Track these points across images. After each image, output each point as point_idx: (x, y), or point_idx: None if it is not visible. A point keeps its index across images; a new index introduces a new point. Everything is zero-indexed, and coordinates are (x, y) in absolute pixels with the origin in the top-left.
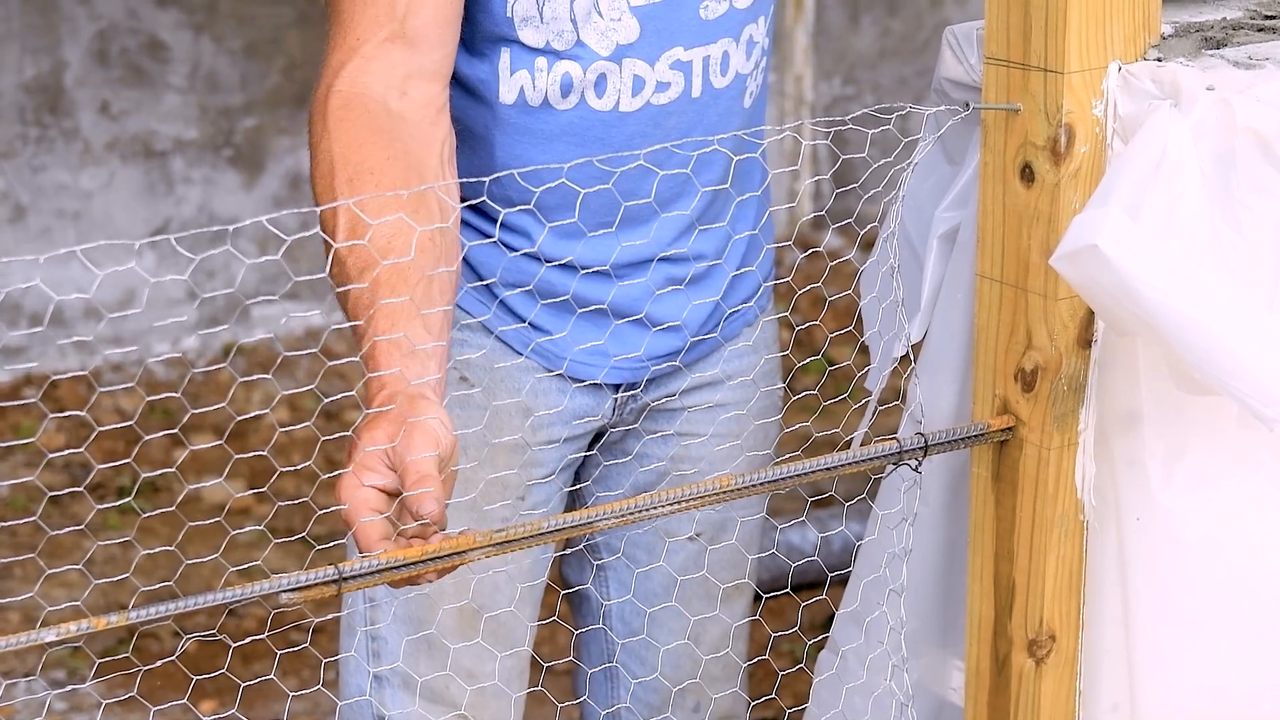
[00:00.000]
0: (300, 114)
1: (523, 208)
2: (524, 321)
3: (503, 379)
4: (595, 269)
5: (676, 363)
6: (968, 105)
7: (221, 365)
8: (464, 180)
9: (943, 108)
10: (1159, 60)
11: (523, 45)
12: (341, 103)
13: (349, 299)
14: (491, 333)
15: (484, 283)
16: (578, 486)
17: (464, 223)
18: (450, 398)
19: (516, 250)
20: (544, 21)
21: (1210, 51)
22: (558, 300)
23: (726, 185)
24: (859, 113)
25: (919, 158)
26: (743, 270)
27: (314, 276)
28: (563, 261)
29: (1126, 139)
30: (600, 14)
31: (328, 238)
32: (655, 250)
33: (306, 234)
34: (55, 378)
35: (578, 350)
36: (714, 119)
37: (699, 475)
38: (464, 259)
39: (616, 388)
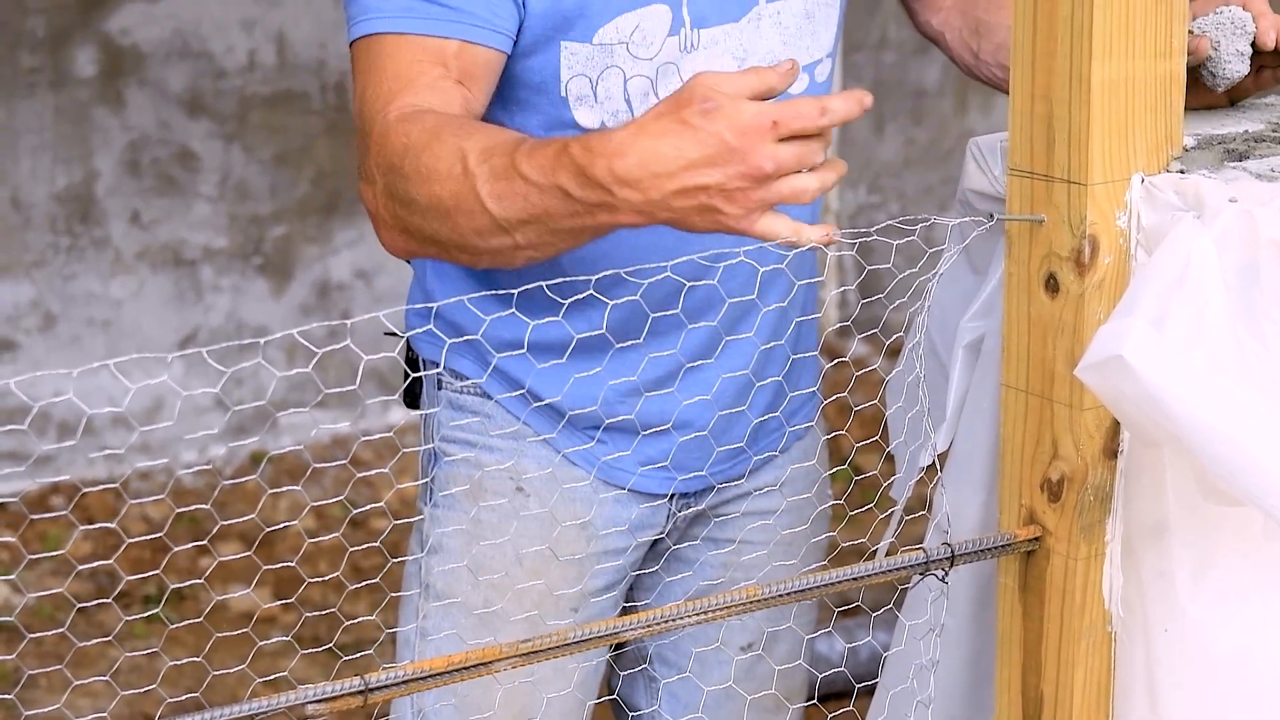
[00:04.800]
0: (329, 221)
1: (591, 333)
2: (590, 440)
3: (565, 494)
4: (658, 391)
5: (735, 476)
6: (992, 216)
7: (250, 477)
8: (526, 287)
9: (967, 219)
10: (1182, 172)
11: (579, 127)
12: (413, 112)
13: (506, 191)
14: (558, 451)
15: (546, 402)
16: (633, 604)
17: (531, 345)
18: (505, 508)
19: (584, 372)
20: (598, 101)
21: (1233, 164)
22: (620, 420)
23: (785, 303)
24: (884, 224)
25: (944, 268)
26: (805, 354)
27: (343, 389)
28: (627, 379)
29: (1150, 250)
30: (657, 95)
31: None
32: (718, 370)
33: (336, 345)
34: (85, 490)
35: (642, 469)
36: None
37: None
38: (529, 383)
39: (672, 498)
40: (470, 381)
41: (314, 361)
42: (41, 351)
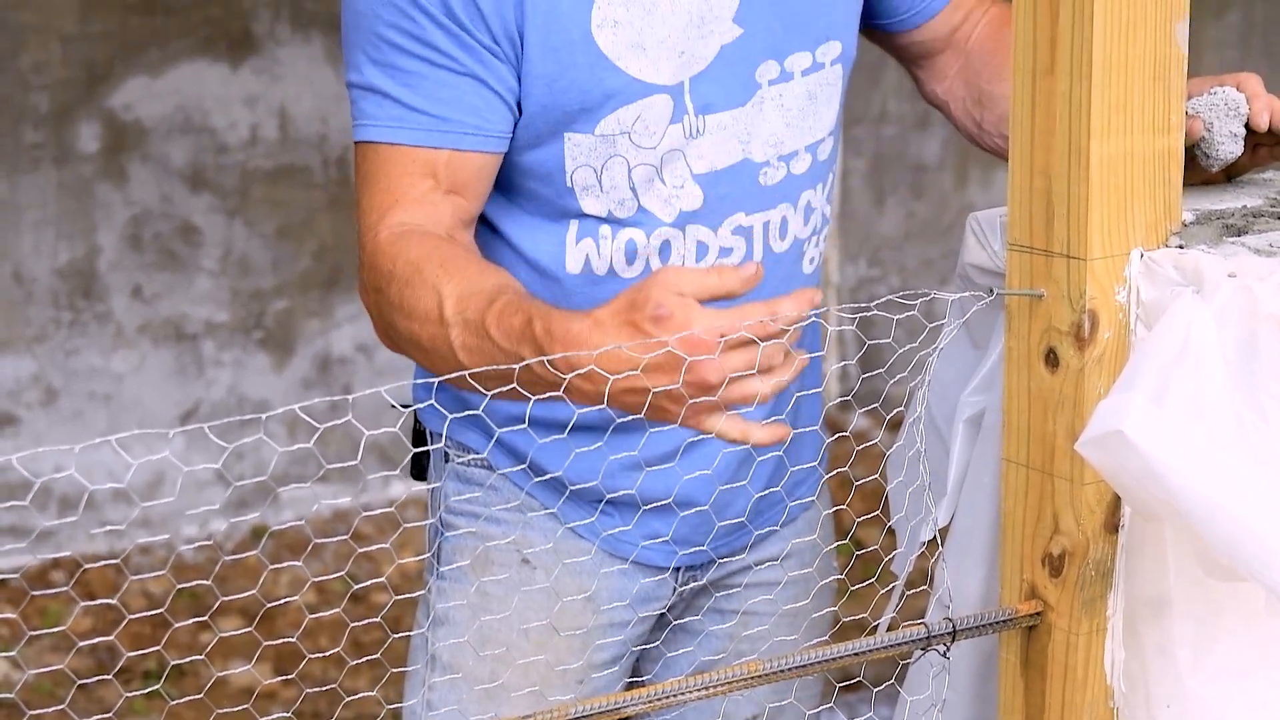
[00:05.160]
0: (331, 296)
1: (592, 409)
2: (593, 514)
3: (569, 567)
4: (660, 466)
5: (737, 550)
6: (992, 291)
7: (251, 552)
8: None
9: (967, 293)
10: (1180, 247)
11: (586, 215)
12: (400, 234)
13: (488, 329)
14: (563, 523)
15: (550, 476)
16: (639, 678)
17: (532, 420)
18: (510, 580)
19: (585, 447)
20: (603, 190)
21: (1231, 239)
22: (622, 494)
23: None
24: (884, 298)
25: (944, 343)
26: (805, 429)
27: (344, 464)
28: (629, 454)
29: (1150, 325)
30: (663, 182)
31: (424, 327)
32: (719, 446)
33: (338, 421)
34: (86, 566)
35: (645, 543)
36: (775, 284)
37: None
38: (531, 456)
39: (675, 571)
40: (475, 454)
41: (315, 437)
42: (43, 426)
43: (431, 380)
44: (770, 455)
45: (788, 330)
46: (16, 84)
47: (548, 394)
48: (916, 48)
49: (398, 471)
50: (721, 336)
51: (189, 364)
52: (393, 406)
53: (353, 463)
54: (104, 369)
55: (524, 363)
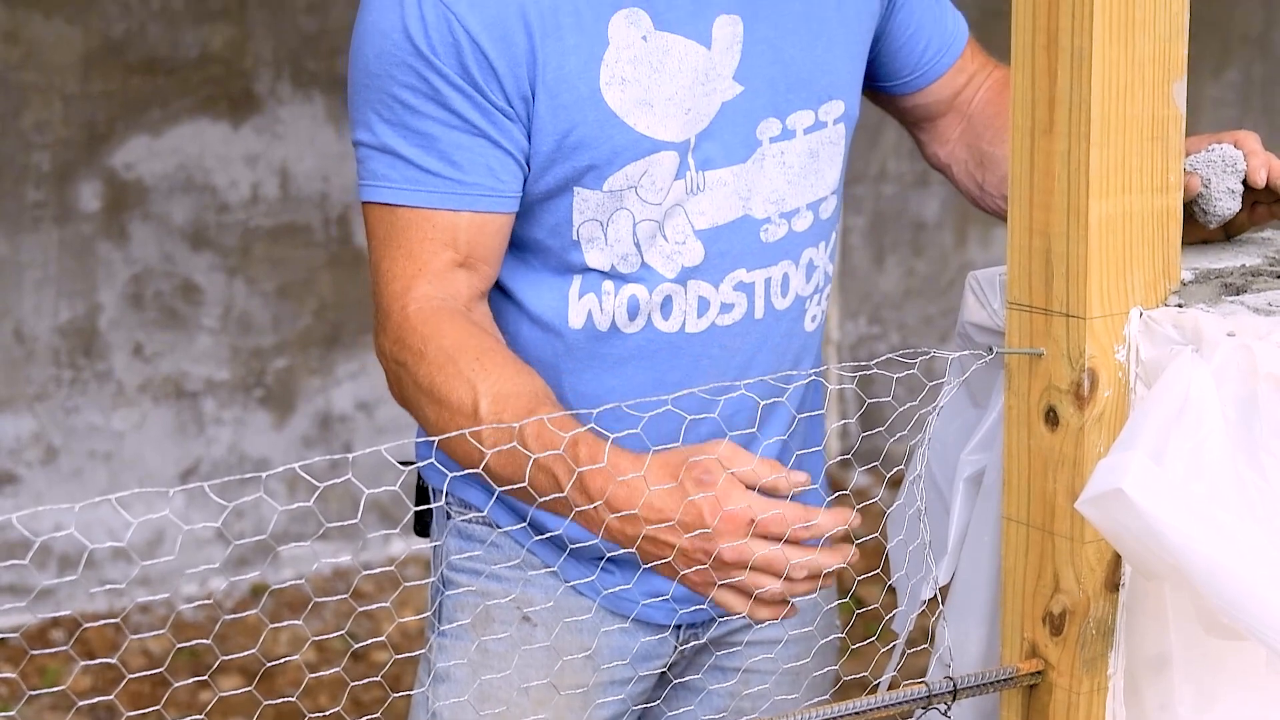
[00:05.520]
0: (331, 353)
1: (594, 466)
2: (594, 571)
3: (570, 625)
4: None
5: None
6: (991, 349)
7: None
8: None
9: (967, 352)
10: (1180, 306)
11: (590, 270)
12: (430, 311)
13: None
14: (564, 581)
15: (551, 534)
16: None
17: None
18: (511, 638)
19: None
20: (608, 244)
21: (1230, 298)
22: (624, 552)
23: (786, 436)
24: (884, 357)
25: (944, 401)
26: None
27: (344, 522)
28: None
29: (1149, 383)
30: (665, 238)
31: (457, 417)
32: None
33: (337, 479)
34: (86, 625)
35: (646, 601)
36: (777, 340)
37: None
38: (532, 513)
39: (676, 629)
40: (477, 511)
41: (316, 495)
42: (43, 484)
43: (433, 438)
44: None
45: (815, 535)
46: (19, 143)
47: (560, 515)
48: (920, 110)
49: (398, 530)
50: (752, 520)
51: (189, 422)
52: (396, 464)
53: (353, 521)
54: (104, 427)
55: (555, 481)
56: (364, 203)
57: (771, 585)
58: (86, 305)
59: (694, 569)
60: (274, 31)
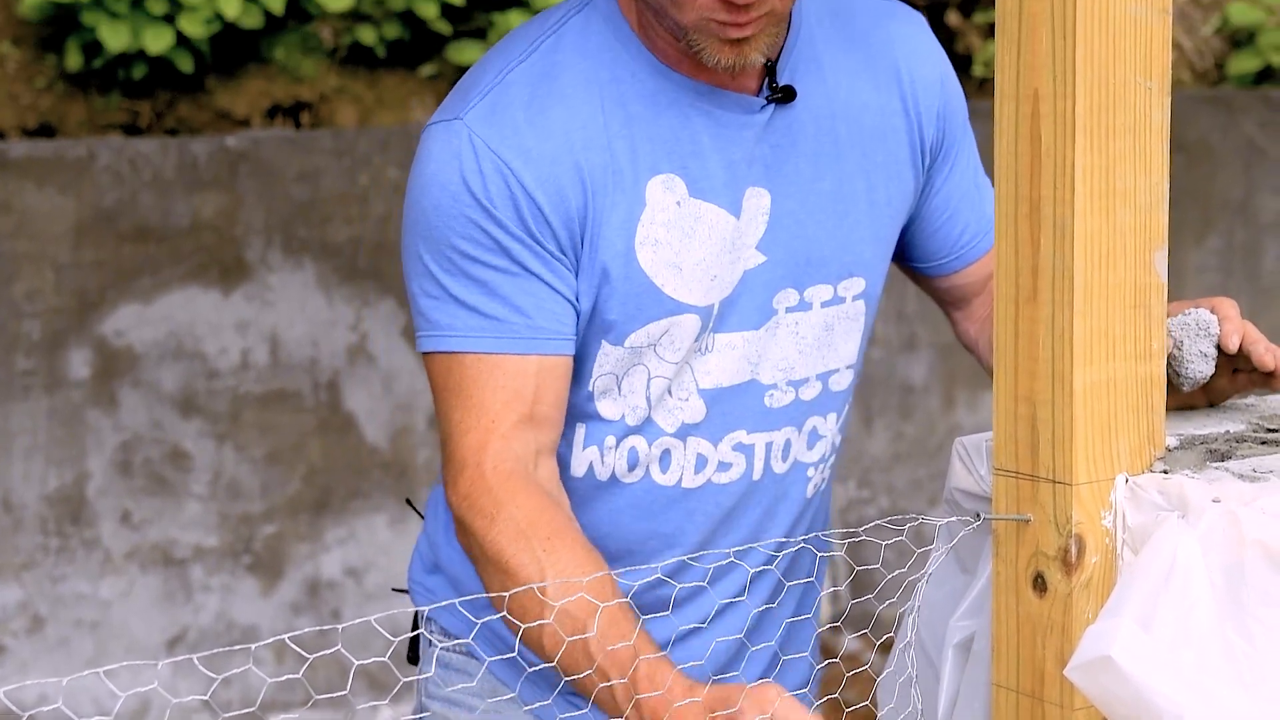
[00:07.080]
0: (320, 519)
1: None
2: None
3: None
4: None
5: None
6: (979, 515)
7: None
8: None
9: (955, 519)
10: (1165, 472)
11: (599, 419)
12: (505, 473)
13: (590, 651)
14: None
15: (540, 667)
16: None
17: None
18: None
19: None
20: (621, 394)
21: (1215, 464)
22: None
23: (775, 604)
24: (873, 524)
25: (933, 568)
26: (795, 655)
27: (333, 694)
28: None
29: (1136, 549)
30: (670, 394)
31: (533, 593)
32: (705, 671)
33: (327, 650)
34: None
35: None
36: (771, 503)
37: None
38: (519, 646)
39: None
40: (457, 640)
41: (305, 666)
42: (29, 654)
43: (433, 563)
44: (765, 646)
45: None
46: (9, 311)
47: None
48: (954, 291)
49: (387, 701)
50: None
51: (177, 589)
52: (386, 635)
53: (342, 692)
54: (91, 595)
55: (611, 695)
56: (426, 353)
57: None
58: (75, 473)
59: None
60: (264, 200)
